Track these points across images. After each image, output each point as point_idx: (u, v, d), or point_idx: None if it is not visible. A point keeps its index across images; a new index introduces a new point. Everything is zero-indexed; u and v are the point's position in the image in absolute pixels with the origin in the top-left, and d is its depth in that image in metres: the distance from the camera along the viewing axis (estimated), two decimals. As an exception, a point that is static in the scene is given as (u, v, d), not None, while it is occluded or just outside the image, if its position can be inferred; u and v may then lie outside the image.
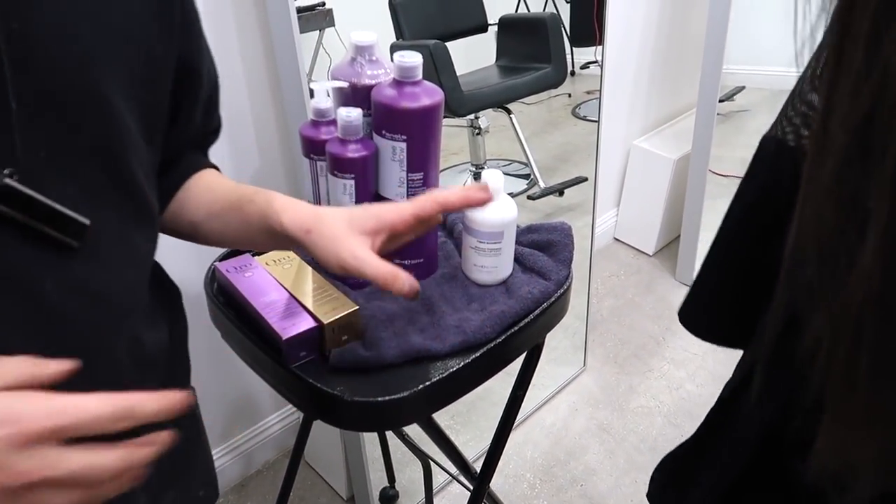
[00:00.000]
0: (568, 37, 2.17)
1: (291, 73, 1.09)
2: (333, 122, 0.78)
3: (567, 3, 2.19)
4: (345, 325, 0.71)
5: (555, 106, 2.51)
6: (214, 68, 0.64)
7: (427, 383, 0.68)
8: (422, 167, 0.76)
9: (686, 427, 1.74)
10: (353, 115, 0.73)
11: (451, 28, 2.00)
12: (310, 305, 0.72)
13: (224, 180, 0.67)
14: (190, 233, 0.66)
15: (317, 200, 0.82)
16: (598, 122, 1.77)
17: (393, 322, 0.75)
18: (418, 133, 0.74)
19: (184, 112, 0.60)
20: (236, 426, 1.52)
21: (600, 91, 1.79)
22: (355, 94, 0.77)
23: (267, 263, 0.80)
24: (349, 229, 0.57)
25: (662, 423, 1.76)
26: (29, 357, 0.38)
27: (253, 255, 0.83)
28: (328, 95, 0.77)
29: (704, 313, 0.70)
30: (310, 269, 0.80)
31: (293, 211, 0.58)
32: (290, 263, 0.81)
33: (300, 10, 1.09)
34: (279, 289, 0.76)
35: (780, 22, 2.40)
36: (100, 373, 0.47)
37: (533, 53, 2.07)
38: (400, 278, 0.55)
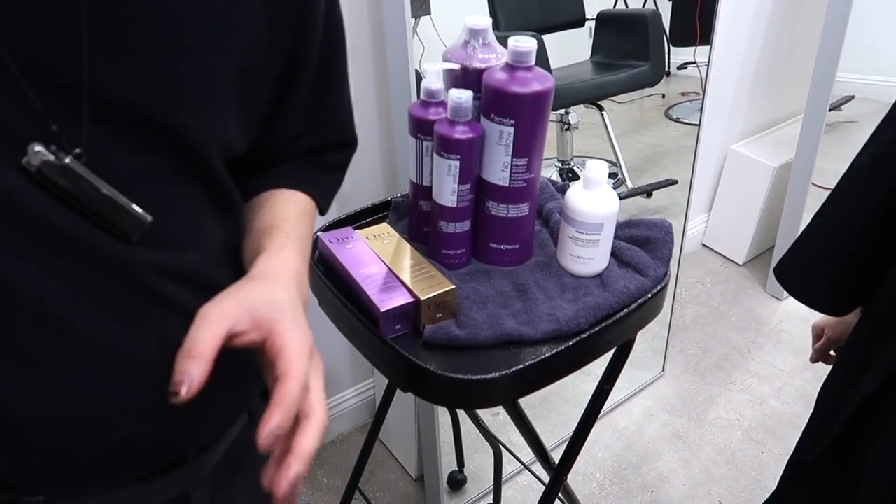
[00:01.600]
0: (667, 36, 2.11)
1: (399, 55, 1.11)
2: (443, 104, 0.79)
3: (669, 0, 2.14)
4: (440, 303, 0.72)
5: (647, 106, 2.46)
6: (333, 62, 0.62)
7: (518, 367, 0.68)
8: (527, 153, 0.77)
9: (768, 444, 1.68)
10: (463, 97, 0.74)
11: (547, 21, 1.98)
12: (407, 281, 0.74)
13: (270, 211, 0.60)
14: None
15: (420, 179, 0.83)
16: (699, 122, 1.72)
17: (486, 304, 0.76)
18: (526, 118, 0.74)
19: (287, 106, 0.59)
20: (315, 397, 1.57)
21: (703, 92, 1.74)
22: (466, 77, 0.78)
23: (367, 238, 0.82)
24: (236, 305, 0.47)
25: (742, 437, 1.71)
26: None
27: (355, 228, 0.85)
28: (439, 77, 0.78)
29: (808, 272, 0.66)
30: (408, 245, 0.82)
31: (254, 268, 0.53)
32: (390, 239, 0.83)
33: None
34: (378, 262, 0.78)
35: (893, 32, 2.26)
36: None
37: (630, 51, 2.03)
38: (176, 381, 0.43)
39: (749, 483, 1.58)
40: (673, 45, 2.17)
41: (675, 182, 2.21)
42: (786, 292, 2.14)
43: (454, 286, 0.73)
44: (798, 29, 2.21)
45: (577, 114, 2.11)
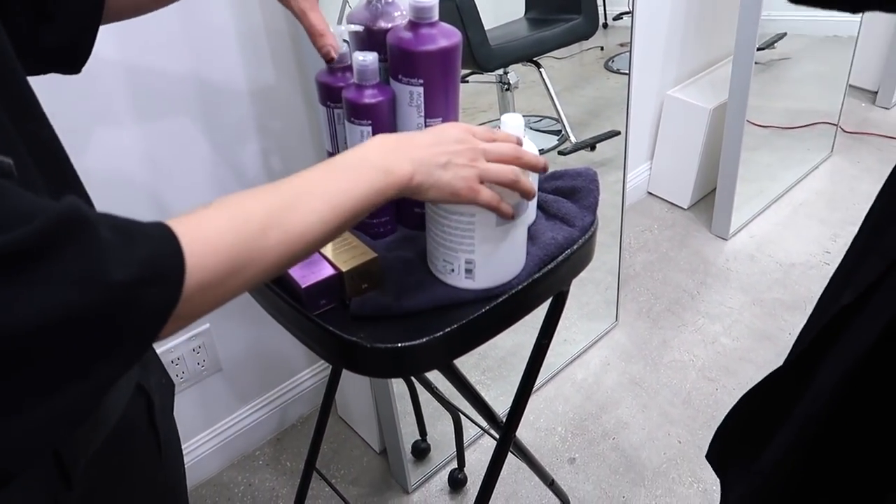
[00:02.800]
0: None
1: None
2: (350, 69, 0.77)
3: None
4: (364, 273, 0.71)
5: (587, 60, 2.45)
6: None
7: (447, 329, 0.67)
8: (439, 112, 0.75)
9: (722, 381, 1.72)
10: (368, 59, 0.72)
11: (478, -21, 1.95)
12: (329, 254, 0.72)
13: None
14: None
15: (335, 149, 0.81)
16: (628, 73, 1.72)
17: (414, 271, 0.74)
18: (435, 77, 0.73)
19: None
20: (271, 381, 1.55)
21: (630, 41, 1.74)
22: (372, 39, 0.76)
23: (287, 214, 0.80)
24: None
25: (696, 377, 1.74)
26: None
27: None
28: (344, 41, 0.76)
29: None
30: (330, 218, 0.80)
31: None
32: (311, 214, 0.81)
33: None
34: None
35: None
36: None
37: (563, 4, 2.01)
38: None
39: (706, 420, 1.62)
40: None
41: (618, 133, 2.21)
42: (731, 232, 2.19)
43: (376, 255, 0.72)
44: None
45: (515, 73, 2.09)
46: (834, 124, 2.57)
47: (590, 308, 1.89)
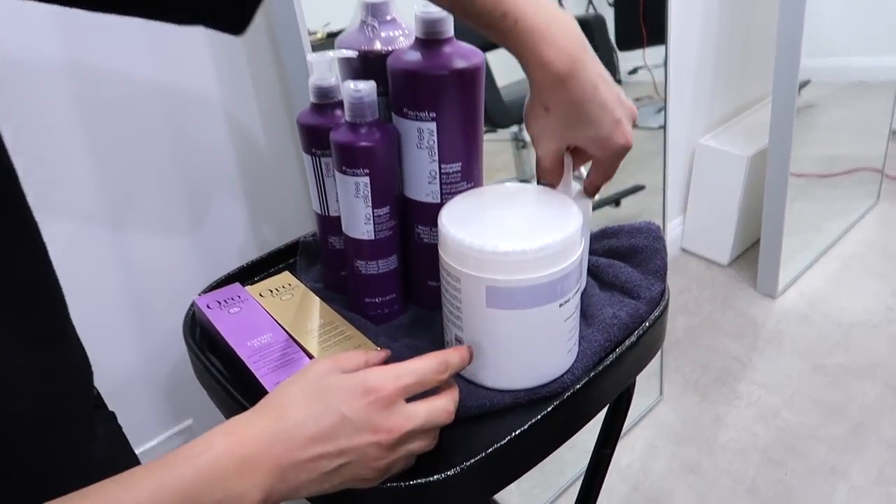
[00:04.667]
0: (613, 41, 2.02)
1: (295, 49, 0.85)
2: (341, 105, 0.60)
3: (610, 5, 2.04)
4: (362, 375, 0.51)
5: None
6: None
7: (481, 456, 0.47)
8: (459, 155, 0.57)
9: (791, 465, 1.48)
10: (362, 88, 0.54)
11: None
12: (313, 348, 0.53)
13: None
14: None
15: (325, 209, 0.63)
16: (664, 123, 1.60)
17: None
18: (451, 108, 0.55)
19: None
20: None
21: (665, 92, 1.62)
22: (368, 67, 0.59)
23: (261, 295, 0.61)
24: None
25: (760, 460, 1.50)
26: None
27: (245, 285, 0.64)
28: (332, 70, 0.59)
29: None
30: (317, 300, 0.61)
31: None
32: (293, 293, 0.62)
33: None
34: (275, 328, 0.57)
35: (847, 13, 2.17)
36: None
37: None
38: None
39: (778, 514, 1.38)
40: (620, 50, 2.08)
41: (643, 188, 2.09)
42: (779, 290, 1.99)
43: (380, 349, 0.52)
44: (752, 11, 2.09)
45: (531, 130, 1.95)
46: (878, 170, 2.40)
47: (630, 382, 1.67)
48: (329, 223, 0.62)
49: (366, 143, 0.54)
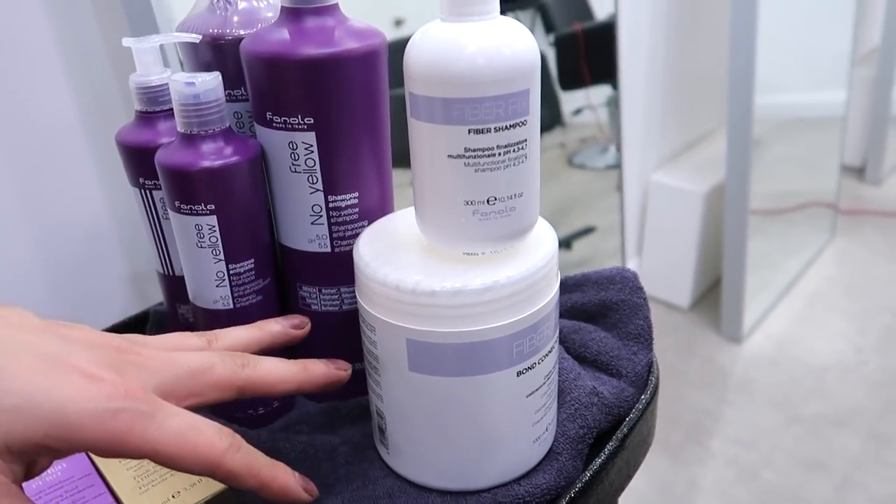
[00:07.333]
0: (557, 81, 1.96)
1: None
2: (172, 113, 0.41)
3: (551, 45, 1.96)
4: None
5: (548, 158, 2.32)
6: None
7: None
8: (356, 181, 0.39)
9: (778, 534, 1.31)
10: (199, 80, 0.36)
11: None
12: (123, 492, 0.33)
13: None
14: None
15: (167, 267, 0.44)
16: (619, 159, 1.51)
17: (350, 460, 0.36)
18: (343, 109, 0.37)
19: None
20: None
21: (619, 125, 1.53)
22: (218, 55, 0.41)
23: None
24: None
25: (744, 530, 1.33)
26: None
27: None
28: (158, 60, 0.40)
29: None
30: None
31: None
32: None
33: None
34: (81, 462, 0.37)
35: (786, 50, 2.14)
36: None
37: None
38: None
39: None
40: (563, 90, 2.01)
41: (594, 229, 1.98)
42: (744, 333, 1.86)
43: (224, 487, 0.33)
44: (698, 44, 2.02)
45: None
46: (830, 205, 2.34)
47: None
48: (175, 286, 0.43)
49: (208, 164, 0.36)
